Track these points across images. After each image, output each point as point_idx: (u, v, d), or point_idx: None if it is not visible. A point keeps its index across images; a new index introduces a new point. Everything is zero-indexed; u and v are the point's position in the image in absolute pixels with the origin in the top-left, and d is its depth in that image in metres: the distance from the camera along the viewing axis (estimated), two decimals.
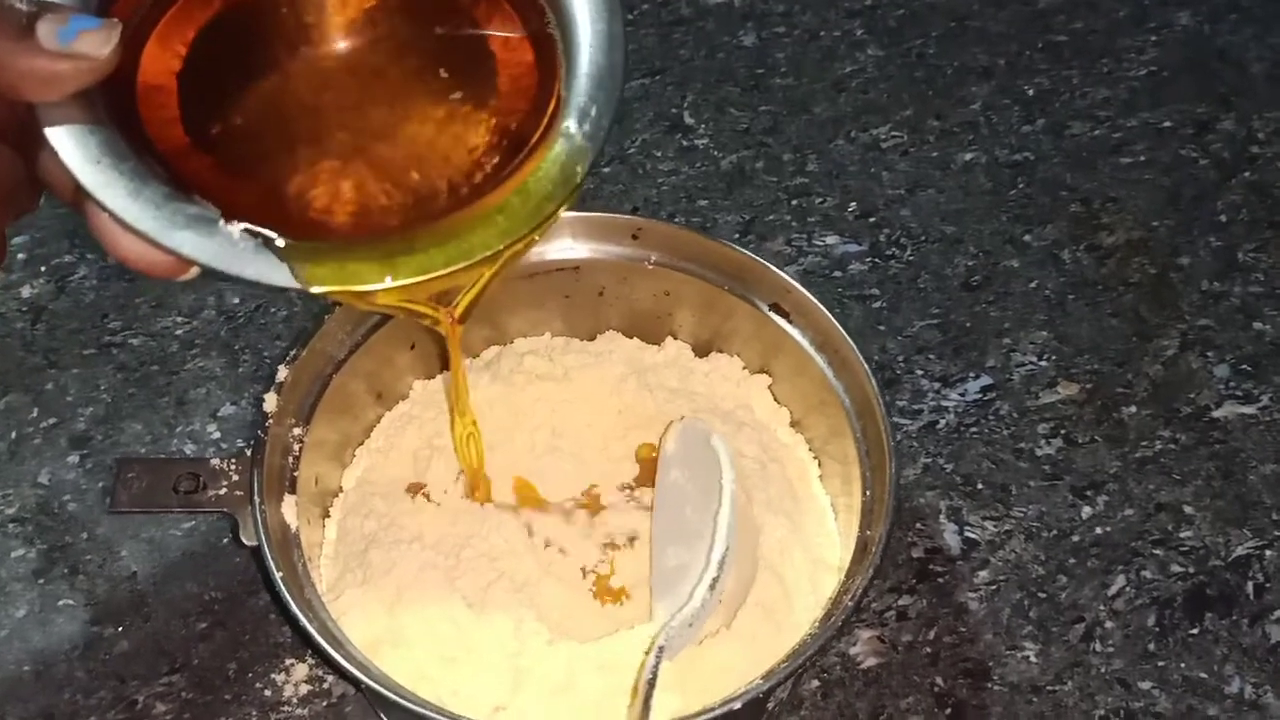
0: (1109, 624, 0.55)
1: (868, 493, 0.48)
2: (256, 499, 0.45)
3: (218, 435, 0.61)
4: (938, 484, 0.59)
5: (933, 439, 0.61)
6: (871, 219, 0.71)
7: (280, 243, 0.32)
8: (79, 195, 0.31)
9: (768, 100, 0.78)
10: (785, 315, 0.53)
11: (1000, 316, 0.66)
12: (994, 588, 0.56)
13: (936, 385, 0.63)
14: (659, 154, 0.74)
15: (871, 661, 0.54)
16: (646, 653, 0.44)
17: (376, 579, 0.47)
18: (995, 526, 0.58)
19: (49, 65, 0.29)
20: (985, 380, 0.64)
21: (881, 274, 0.68)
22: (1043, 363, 0.64)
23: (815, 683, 0.53)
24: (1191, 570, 0.57)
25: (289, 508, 0.47)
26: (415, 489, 0.52)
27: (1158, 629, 0.55)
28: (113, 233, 0.31)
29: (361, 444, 0.55)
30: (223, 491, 0.47)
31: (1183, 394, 0.63)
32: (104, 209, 0.31)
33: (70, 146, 0.31)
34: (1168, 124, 0.76)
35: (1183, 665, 0.54)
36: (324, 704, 0.52)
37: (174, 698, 0.53)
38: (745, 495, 0.49)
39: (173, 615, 0.55)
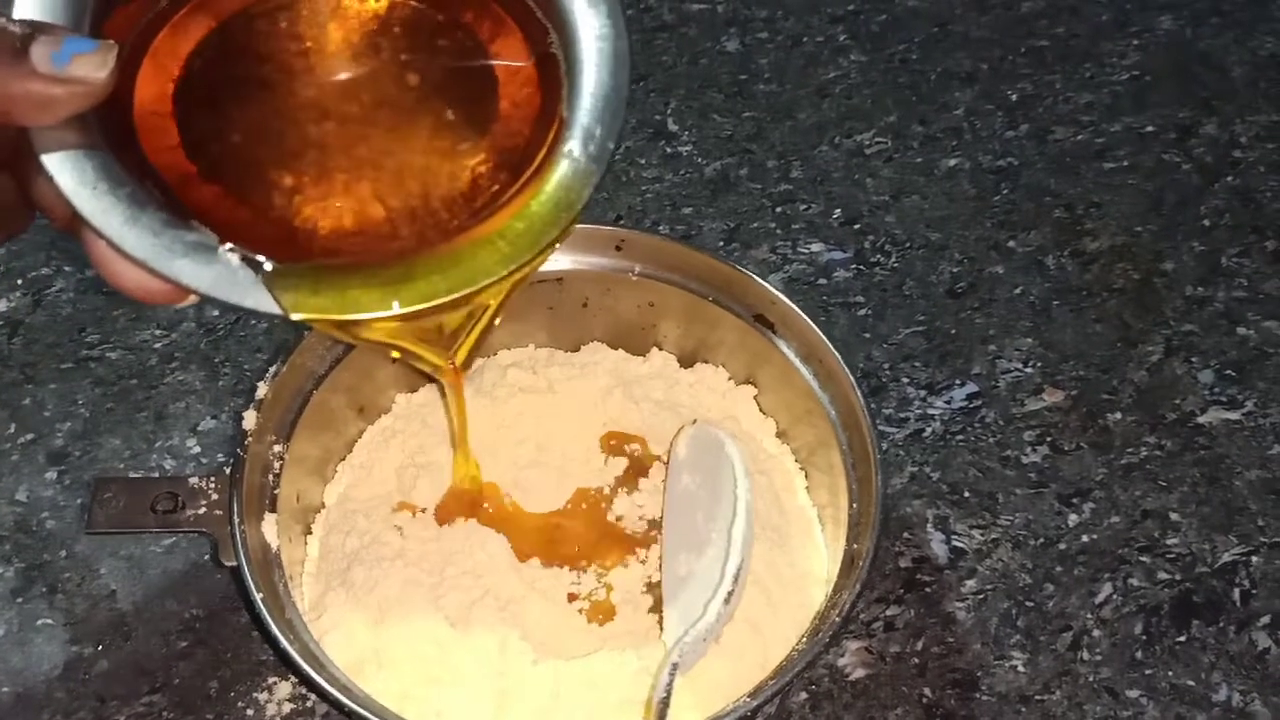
0: (1096, 632, 0.55)
1: (854, 505, 0.48)
2: (236, 519, 0.44)
3: (198, 450, 0.61)
4: (924, 493, 0.59)
5: (919, 447, 0.61)
6: (856, 225, 0.71)
7: (276, 269, 0.31)
8: (75, 221, 0.30)
9: (751, 106, 0.77)
10: (770, 326, 0.53)
11: (985, 323, 0.66)
12: (981, 597, 0.56)
13: (922, 393, 0.63)
14: (642, 161, 0.74)
15: (860, 673, 0.53)
16: (657, 670, 0.44)
17: (359, 597, 0.47)
18: (982, 535, 0.58)
19: (44, 89, 0.28)
20: (971, 388, 0.63)
21: (866, 281, 0.68)
22: (1028, 369, 0.64)
23: (804, 695, 0.53)
24: (1178, 577, 0.57)
25: (269, 526, 0.47)
26: (402, 508, 0.52)
27: (1145, 637, 0.55)
28: (111, 260, 0.31)
29: (343, 460, 0.54)
30: (201, 511, 0.47)
31: (1168, 400, 0.63)
32: (102, 236, 0.30)
33: (67, 173, 0.30)
34: (1150, 129, 0.76)
35: (1170, 673, 0.54)
36: None
37: (155, 717, 0.52)
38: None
39: (153, 634, 0.54)
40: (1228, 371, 0.64)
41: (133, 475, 0.59)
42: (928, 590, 0.56)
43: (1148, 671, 0.54)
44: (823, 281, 0.68)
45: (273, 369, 0.49)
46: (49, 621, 0.55)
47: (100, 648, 0.54)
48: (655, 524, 0.53)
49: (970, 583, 0.56)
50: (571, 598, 0.50)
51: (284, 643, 0.41)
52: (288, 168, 0.34)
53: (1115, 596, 0.56)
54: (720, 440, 0.49)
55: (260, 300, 0.31)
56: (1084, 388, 0.63)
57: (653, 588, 0.51)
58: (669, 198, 0.72)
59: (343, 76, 0.35)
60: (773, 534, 0.51)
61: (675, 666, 0.43)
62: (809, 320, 0.51)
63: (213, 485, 0.47)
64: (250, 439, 0.47)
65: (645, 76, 0.79)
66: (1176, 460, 0.61)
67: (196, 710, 0.52)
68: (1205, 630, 0.55)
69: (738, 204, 0.72)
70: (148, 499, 0.47)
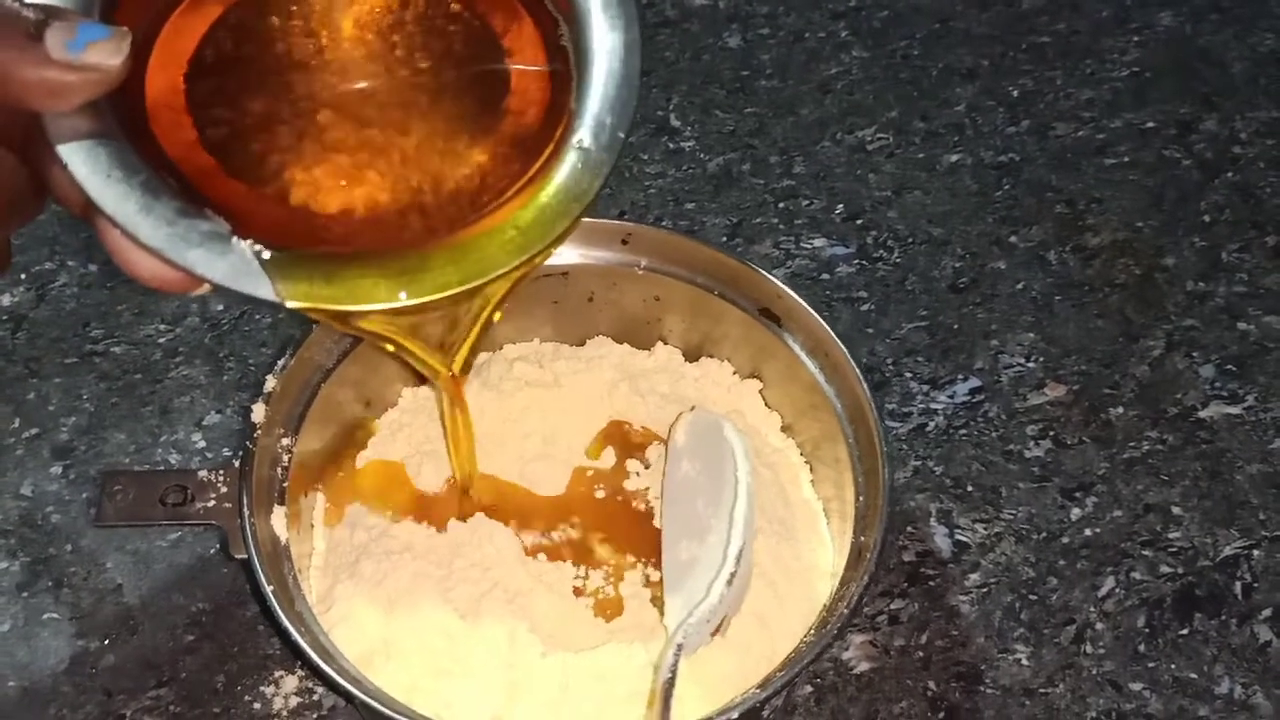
0: (1099, 625, 0.55)
1: (861, 498, 0.48)
2: (246, 512, 0.44)
3: (203, 444, 0.61)
4: (928, 486, 0.59)
5: (922, 441, 0.61)
6: (858, 221, 0.71)
7: (287, 259, 0.31)
8: (89, 209, 0.30)
9: (753, 102, 0.78)
10: (776, 320, 0.53)
11: (987, 318, 0.67)
12: (985, 590, 0.56)
13: (925, 388, 0.63)
14: (645, 157, 0.74)
15: (864, 666, 0.54)
16: (661, 652, 0.44)
17: (368, 590, 0.47)
18: (985, 529, 0.58)
19: (58, 76, 0.28)
20: (974, 382, 0.64)
21: (869, 276, 0.68)
22: (1030, 364, 0.64)
23: (808, 688, 0.53)
24: (1180, 571, 0.57)
25: (278, 519, 0.47)
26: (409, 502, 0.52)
27: (1148, 630, 0.55)
28: (125, 248, 0.31)
29: (351, 453, 0.54)
30: (211, 504, 0.47)
31: (1169, 394, 0.63)
32: (116, 225, 0.30)
33: (80, 161, 0.30)
34: (1151, 124, 0.77)
35: (1173, 666, 0.54)
36: (314, 716, 0.52)
37: (162, 711, 0.52)
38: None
39: (159, 628, 0.54)
40: (1229, 366, 0.65)
41: (143, 469, 0.59)
42: (931, 584, 0.56)
43: (1150, 664, 0.54)
44: (825, 276, 0.68)
45: (281, 362, 0.49)
46: (55, 616, 0.55)
47: (107, 642, 0.54)
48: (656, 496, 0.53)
49: (974, 576, 0.57)
50: (578, 592, 0.50)
51: (295, 634, 0.41)
52: (298, 156, 0.34)
53: (1118, 590, 0.56)
54: (719, 424, 0.49)
55: (271, 291, 0.31)
56: (1086, 382, 0.64)
57: (657, 581, 0.51)
58: (672, 193, 0.72)
59: (354, 65, 0.35)
60: (778, 527, 0.51)
61: (680, 648, 0.43)
62: (815, 314, 0.51)
63: (222, 478, 0.47)
64: (259, 432, 0.47)
65: (648, 72, 0.79)
66: (1178, 454, 0.61)
67: (203, 704, 0.52)
68: (1207, 623, 0.55)
69: (740, 199, 0.72)
70: (157, 492, 0.47)
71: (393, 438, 0.54)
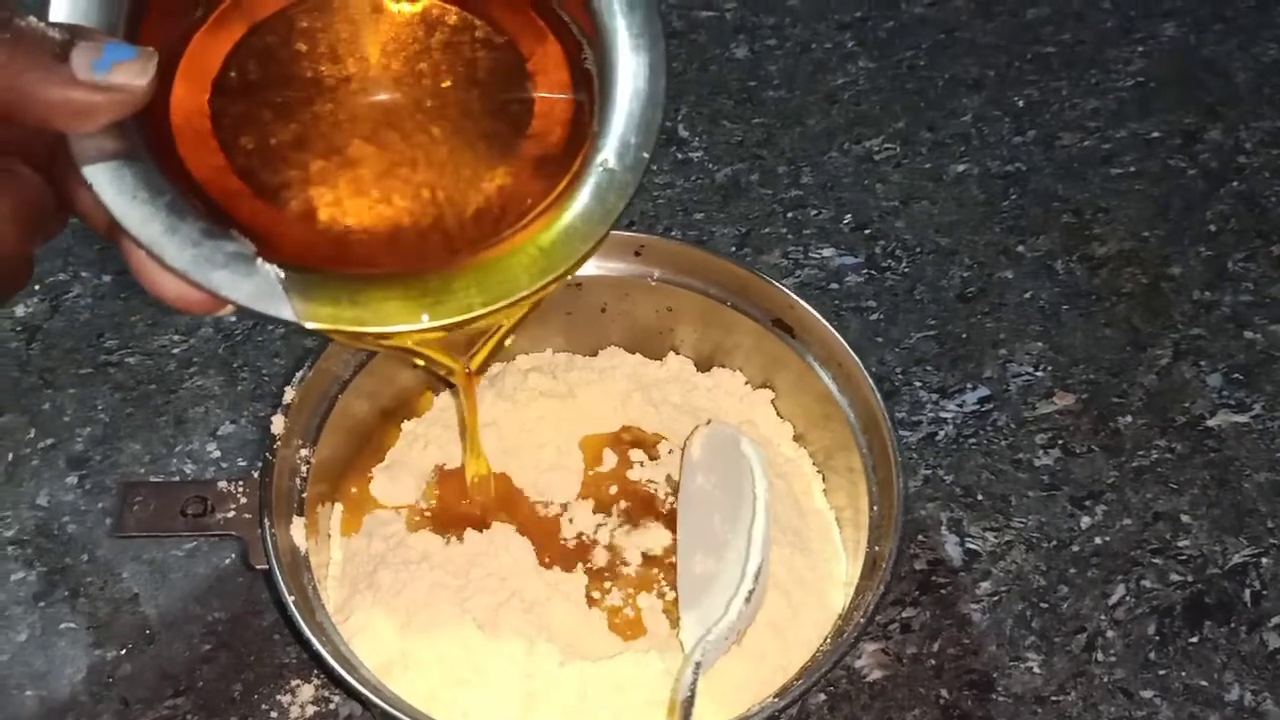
0: (1110, 633, 0.55)
1: (875, 507, 0.49)
2: (266, 522, 0.45)
3: (218, 454, 0.61)
4: (938, 495, 0.60)
5: (932, 450, 0.62)
6: (866, 231, 0.72)
7: (309, 281, 0.31)
8: (114, 229, 0.31)
9: (761, 113, 0.78)
10: (788, 330, 0.54)
11: (996, 327, 0.67)
12: (996, 599, 0.56)
13: (934, 397, 0.64)
14: (654, 167, 0.74)
15: (877, 674, 0.54)
16: (680, 670, 0.44)
17: (387, 600, 0.47)
18: (996, 537, 0.58)
19: (84, 97, 0.28)
20: (983, 391, 0.64)
21: (878, 286, 0.69)
22: (1039, 373, 0.65)
23: (822, 696, 0.53)
24: (1190, 579, 0.57)
25: (297, 529, 0.47)
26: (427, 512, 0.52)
27: (1158, 638, 0.55)
28: (150, 269, 0.31)
29: (368, 464, 0.54)
30: (231, 514, 0.47)
31: (1177, 403, 0.64)
32: (140, 246, 0.30)
33: (106, 182, 0.30)
34: (1156, 134, 0.77)
35: (1183, 673, 0.54)
36: None
37: None
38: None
39: (176, 637, 0.55)
40: (1236, 375, 0.65)
41: (159, 479, 0.59)
42: (943, 592, 0.57)
43: (1161, 672, 0.54)
44: (834, 286, 0.69)
45: (299, 374, 0.49)
46: (72, 625, 0.55)
47: (124, 651, 0.54)
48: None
49: (985, 585, 0.57)
50: (592, 602, 0.50)
51: (316, 644, 0.42)
52: (321, 178, 0.34)
53: (1128, 598, 0.57)
54: (736, 439, 0.50)
55: (295, 313, 0.31)
56: (1094, 391, 0.64)
57: (672, 600, 0.51)
58: (681, 203, 0.73)
59: (378, 87, 0.35)
60: (793, 537, 0.51)
61: (699, 666, 0.44)
62: (828, 324, 0.52)
63: (241, 489, 0.48)
64: (278, 443, 0.47)
65: None
66: (1187, 463, 0.61)
67: (221, 713, 0.52)
68: (1217, 631, 0.56)
69: (749, 209, 0.73)
70: (177, 503, 0.47)
71: (409, 449, 0.54)
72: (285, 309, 0.31)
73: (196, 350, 0.65)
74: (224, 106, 0.34)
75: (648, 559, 0.52)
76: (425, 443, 0.54)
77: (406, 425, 0.55)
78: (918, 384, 0.64)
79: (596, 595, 0.50)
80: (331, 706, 0.53)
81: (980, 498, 0.60)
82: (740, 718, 0.42)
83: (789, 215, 0.72)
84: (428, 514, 0.52)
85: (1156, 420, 0.63)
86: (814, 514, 0.54)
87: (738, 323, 0.55)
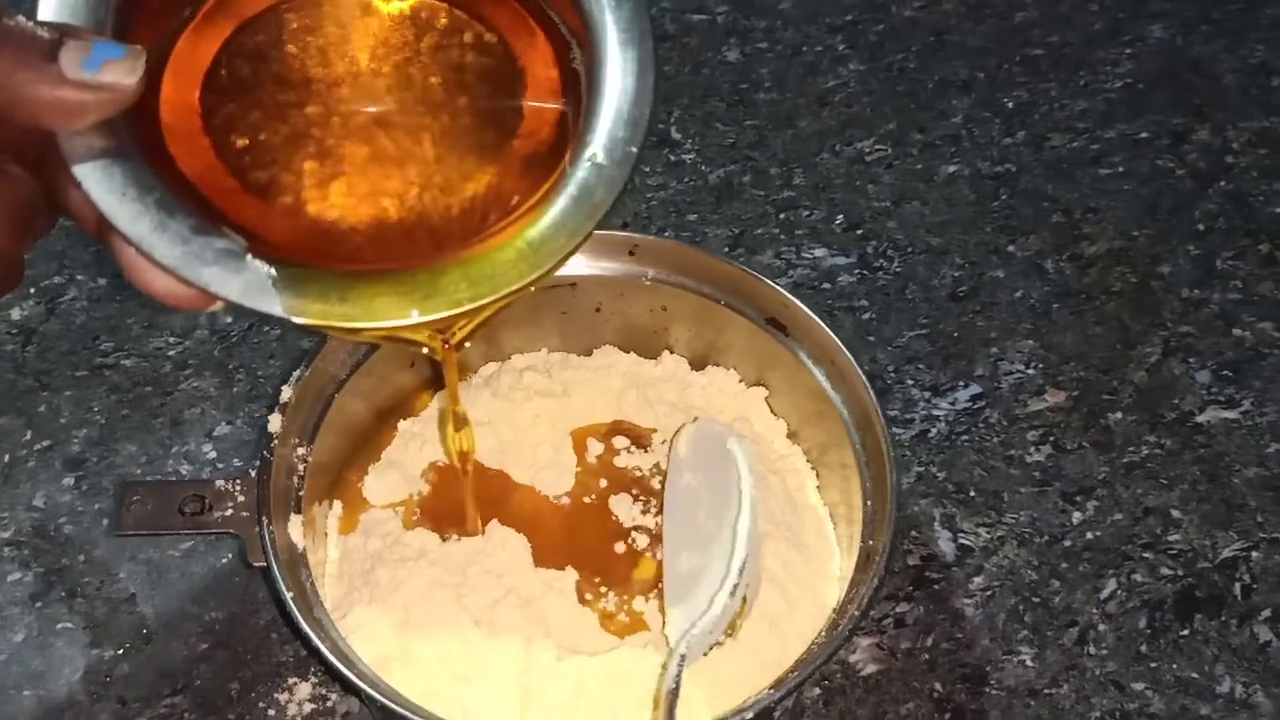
0: (1102, 627, 0.56)
1: (868, 502, 0.49)
2: (264, 519, 0.45)
3: (214, 455, 0.61)
4: (931, 492, 0.60)
5: (925, 447, 0.62)
6: (858, 231, 0.72)
7: (299, 276, 0.31)
8: (104, 227, 0.31)
9: (753, 115, 0.79)
10: (782, 329, 0.54)
11: (987, 326, 0.68)
12: (989, 593, 0.57)
13: (927, 394, 0.64)
14: (647, 169, 0.75)
15: (871, 668, 0.54)
16: (665, 663, 0.45)
17: (384, 597, 0.48)
18: (988, 533, 0.59)
19: (73, 96, 0.29)
20: (974, 389, 0.65)
21: (870, 285, 0.69)
22: (1030, 371, 0.65)
23: (817, 690, 0.53)
24: (1180, 573, 0.58)
25: (295, 527, 0.48)
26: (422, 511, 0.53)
27: (1149, 631, 0.56)
28: (140, 267, 0.31)
29: (364, 463, 0.55)
30: (228, 512, 0.47)
31: (1167, 400, 0.64)
32: (130, 243, 0.30)
33: (95, 179, 0.30)
34: (1144, 135, 0.78)
35: (1175, 666, 0.55)
36: None
37: (176, 719, 0.52)
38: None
39: (173, 637, 0.55)
40: (1225, 371, 0.66)
41: (156, 479, 0.60)
42: (936, 587, 0.57)
43: (1152, 665, 0.55)
44: (827, 286, 0.69)
45: (296, 373, 0.50)
46: (69, 625, 0.55)
47: (121, 651, 0.54)
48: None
49: (978, 579, 0.57)
50: (586, 602, 0.50)
51: (315, 639, 0.42)
52: (310, 174, 0.35)
53: (1119, 592, 0.57)
54: (722, 436, 0.50)
55: (284, 309, 0.31)
56: (1085, 388, 0.65)
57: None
58: (674, 205, 0.73)
59: (366, 83, 0.36)
60: (786, 533, 0.52)
61: (683, 659, 0.44)
62: (821, 323, 0.52)
63: (238, 488, 0.48)
64: (276, 441, 0.47)
65: None
66: (1176, 459, 0.62)
67: (218, 711, 0.53)
68: (1208, 624, 0.56)
69: (741, 210, 0.73)
70: (175, 502, 0.47)
71: (405, 448, 0.54)
72: (275, 305, 0.31)
73: (192, 352, 0.65)
74: (214, 104, 0.34)
75: (640, 530, 0.52)
76: (421, 442, 0.55)
77: (402, 424, 0.56)
78: (910, 382, 0.65)
79: (590, 597, 0.50)
80: (329, 704, 0.53)
81: (973, 494, 0.60)
82: (737, 708, 0.42)
83: (781, 216, 0.73)
84: (423, 511, 0.52)
85: (1146, 416, 0.64)
86: (808, 510, 0.54)
87: (731, 321, 0.55)
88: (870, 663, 0.54)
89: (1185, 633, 0.56)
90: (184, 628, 0.55)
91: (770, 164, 0.76)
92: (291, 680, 0.54)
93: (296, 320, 0.31)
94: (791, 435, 0.57)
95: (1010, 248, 0.71)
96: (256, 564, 0.45)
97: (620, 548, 0.52)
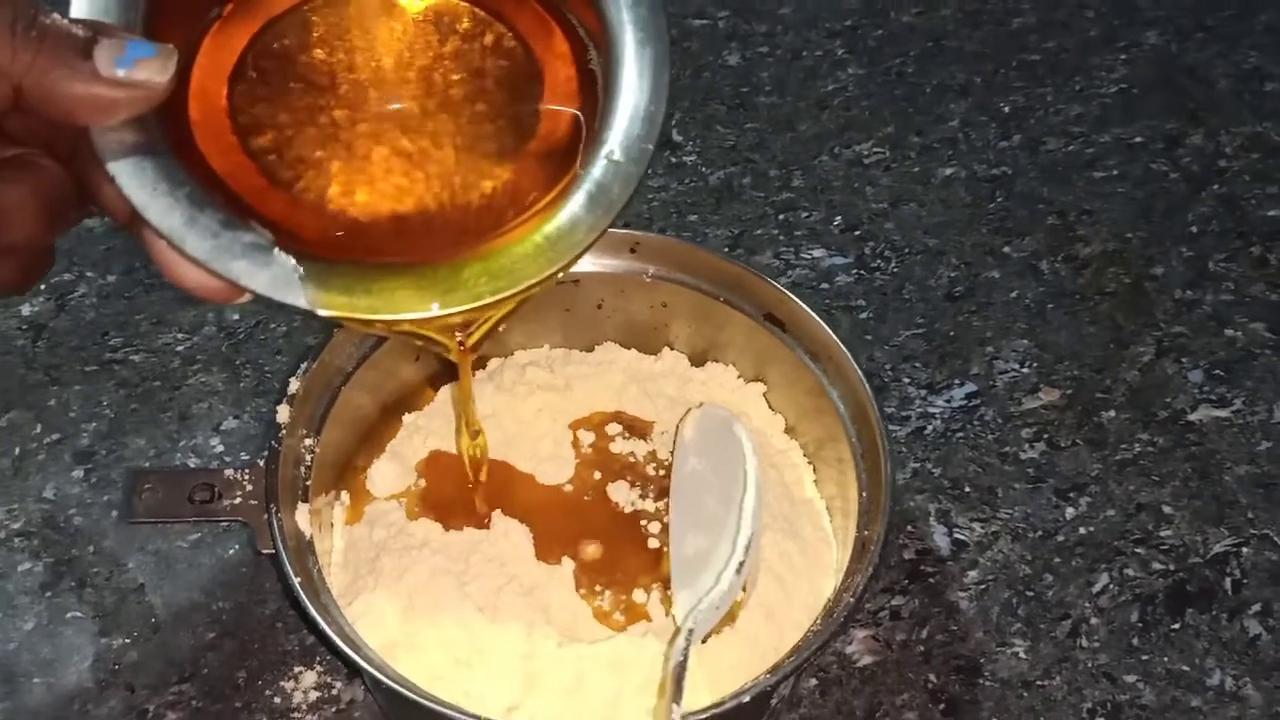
0: (1094, 620, 0.57)
1: (864, 494, 0.50)
2: (273, 507, 0.46)
3: (221, 449, 0.62)
4: (927, 488, 0.61)
5: (921, 444, 0.63)
6: (856, 232, 0.73)
7: (322, 270, 0.32)
8: (135, 220, 0.32)
9: (753, 118, 0.80)
10: (780, 325, 0.55)
11: (982, 325, 0.69)
12: (983, 587, 0.58)
13: (923, 392, 0.65)
14: (649, 170, 0.76)
15: (867, 660, 0.55)
16: (670, 642, 0.45)
17: (389, 585, 0.48)
18: (983, 528, 0.60)
19: (106, 93, 0.30)
20: (970, 387, 0.66)
21: (867, 285, 0.70)
22: (1024, 370, 0.66)
23: (813, 681, 0.54)
24: (1172, 568, 0.59)
25: (302, 516, 0.48)
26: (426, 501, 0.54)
27: (1141, 624, 0.57)
28: (170, 259, 0.32)
29: (370, 454, 0.56)
30: (237, 501, 0.48)
31: (1159, 398, 0.65)
32: (162, 236, 0.31)
33: (129, 175, 0.31)
34: (1139, 139, 0.79)
35: (1166, 659, 0.56)
36: (333, 710, 0.53)
37: (184, 706, 0.53)
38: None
39: (181, 626, 0.56)
40: (1217, 371, 0.67)
41: (167, 468, 0.60)
42: (931, 581, 0.58)
43: (1144, 657, 0.56)
44: (825, 286, 0.70)
45: (304, 365, 0.51)
46: (78, 615, 0.56)
47: (129, 640, 0.55)
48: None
49: (972, 573, 0.58)
50: (585, 590, 0.51)
51: (322, 623, 0.43)
52: (335, 171, 0.36)
53: (1112, 586, 0.58)
54: (728, 420, 0.51)
55: (310, 301, 0.32)
56: (1079, 387, 0.66)
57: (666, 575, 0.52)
58: (675, 205, 0.74)
59: (391, 83, 0.37)
60: (784, 525, 0.53)
61: (691, 634, 0.45)
62: (818, 319, 0.53)
63: (247, 477, 0.49)
64: (284, 431, 0.48)
65: None
66: (1168, 456, 0.63)
67: (225, 699, 0.54)
68: (1199, 618, 0.57)
69: (741, 211, 0.74)
70: (185, 490, 0.48)
71: (410, 440, 0.55)
72: (300, 297, 0.32)
73: (200, 348, 0.66)
74: (241, 102, 0.35)
75: (640, 514, 0.53)
76: (426, 435, 0.55)
77: (407, 417, 0.57)
78: (906, 380, 0.66)
79: (591, 587, 0.51)
80: (334, 691, 0.54)
81: (968, 490, 0.61)
82: (735, 693, 0.43)
83: (780, 217, 0.74)
84: (423, 502, 0.53)
85: (1139, 415, 0.65)
86: (805, 503, 0.55)
87: (730, 318, 0.56)
88: (866, 654, 0.55)
89: (1176, 626, 0.57)
90: (192, 617, 0.56)
91: (770, 166, 0.77)
92: (297, 669, 0.54)
93: (321, 312, 0.32)
94: (789, 430, 0.58)
95: (1006, 249, 0.73)
96: (265, 551, 0.46)
97: (621, 533, 0.53)
